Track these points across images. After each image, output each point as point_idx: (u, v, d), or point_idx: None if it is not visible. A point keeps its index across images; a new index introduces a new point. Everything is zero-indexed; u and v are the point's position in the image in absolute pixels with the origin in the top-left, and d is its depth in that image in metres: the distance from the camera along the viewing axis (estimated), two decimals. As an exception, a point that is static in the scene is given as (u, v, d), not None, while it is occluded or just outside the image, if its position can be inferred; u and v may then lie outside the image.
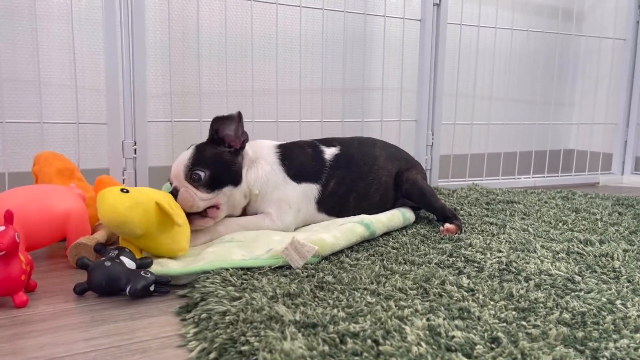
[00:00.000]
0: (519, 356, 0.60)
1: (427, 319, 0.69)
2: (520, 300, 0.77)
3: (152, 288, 0.83)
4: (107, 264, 0.83)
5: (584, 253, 1.01)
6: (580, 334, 0.66)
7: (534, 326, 0.69)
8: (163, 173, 1.33)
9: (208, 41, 1.57)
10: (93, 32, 1.40)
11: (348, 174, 1.19)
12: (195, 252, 0.97)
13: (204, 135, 1.10)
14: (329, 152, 1.20)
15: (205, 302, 0.76)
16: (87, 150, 1.34)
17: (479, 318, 0.71)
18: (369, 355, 0.60)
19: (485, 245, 1.06)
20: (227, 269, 0.86)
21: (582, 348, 0.63)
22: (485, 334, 0.66)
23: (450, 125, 1.85)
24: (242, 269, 0.88)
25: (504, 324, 0.69)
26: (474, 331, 0.66)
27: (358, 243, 1.06)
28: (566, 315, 0.72)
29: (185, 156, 1.06)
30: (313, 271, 0.89)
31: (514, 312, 0.73)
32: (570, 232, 1.17)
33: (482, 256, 0.98)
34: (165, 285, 0.85)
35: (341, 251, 1.01)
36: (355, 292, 0.80)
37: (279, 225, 1.10)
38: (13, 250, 0.77)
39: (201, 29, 1.54)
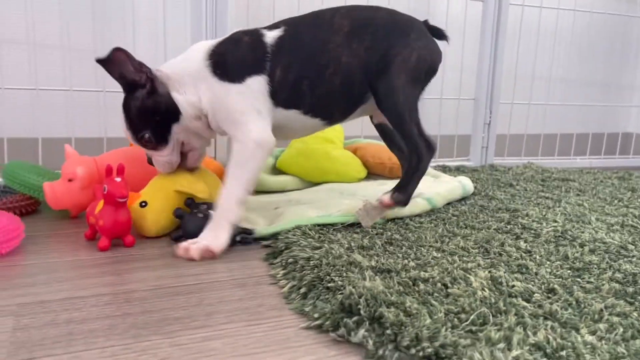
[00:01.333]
0: (574, 303, 0.68)
1: (489, 272, 0.78)
2: (575, 261, 0.84)
3: (238, 238, 0.95)
4: (200, 215, 0.95)
5: (638, 226, 1.06)
6: (630, 290, 0.73)
7: (588, 282, 0.76)
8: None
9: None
10: (180, 13, 1.52)
11: (295, 58, 0.97)
12: (276, 214, 1.08)
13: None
14: (270, 36, 0.98)
15: (289, 250, 0.87)
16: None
17: (536, 273, 0.79)
18: (439, 295, 0.69)
19: (541, 216, 1.12)
20: (305, 225, 0.97)
21: (632, 300, 0.70)
22: (543, 286, 0.74)
23: (507, 105, 1.90)
24: (317, 225, 0.98)
25: (560, 279, 0.77)
26: (532, 283, 0.74)
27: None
28: (618, 275, 0.78)
29: (123, 125, 0.97)
30: (381, 230, 0.99)
31: (569, 271, 0.80)
32: (625, 209, 1.22)
33: (538, 225, 1.05)
34: (249, 235, 0.96)
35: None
36: (422, 248, 0.89)
37: (252, 141, 0.92)
38: (127, 197, 0.90)
39: (276, 13, 1.63)
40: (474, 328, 0.60)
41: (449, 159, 1.83)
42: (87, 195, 1.03)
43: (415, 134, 1.00)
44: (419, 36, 1.02)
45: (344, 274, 0.74)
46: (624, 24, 2.16)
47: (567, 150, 2.02)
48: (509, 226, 1.04)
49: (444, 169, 1.69)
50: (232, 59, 0.95)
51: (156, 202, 0.97)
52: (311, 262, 0.80)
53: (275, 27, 1.00)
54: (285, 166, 1.37)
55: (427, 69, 1.03)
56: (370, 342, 0.59)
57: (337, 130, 1.44)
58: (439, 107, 1.79)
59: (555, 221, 1.08)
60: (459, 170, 1.69)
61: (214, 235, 0.89)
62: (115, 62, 0.91)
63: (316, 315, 0.66)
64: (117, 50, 0.89)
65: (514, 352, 0.55)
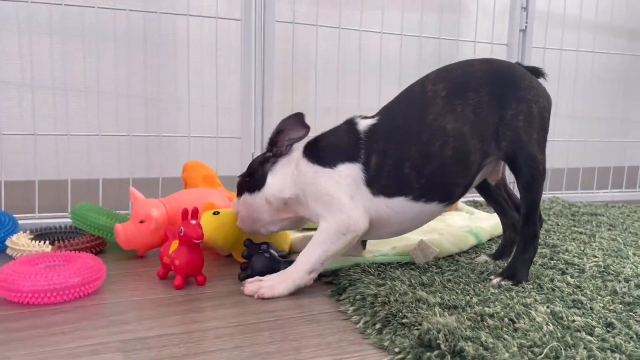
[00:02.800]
0: (635, 336, 0.73)
1: (548, 307, 0.83)
2: (624, 296, 0.90)
3: None
4: (267, 255, 1.01)
5: (675, 261, 1.12)
6: (683, 323, 0.78)
7: (641, 316, 0.81)
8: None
9: (324, 68, 1.76)
10: (228, 60, 1.61)
11: (390, 143, 0.94)
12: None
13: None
14: (364, 124, 0.97)
15: (354, 287, 0.92)
16: (223, 160, 1.54)
17: (591, 308, 0.84)
18: (509, 329, 0.75)
19: (580, 251, 1.18)
20: (363, 262, 1.03)
21: (687, 334, 0.75)
22: (601, 321, 0.79)
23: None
24: (374, 263, 1.04)
25: (615, 314, 0.82)
26: (590, 317, 0.80)
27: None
28: (668, 309, 0.84)
29: None
30: (435, 266, 1.04)
31: (620, 305, 0.86)
32: (658, 243, 1.27)
33: (580, 260, 1.10)
34: None
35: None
36: (479, 284, 0.94)
37: (337, 228, 0.92)
38: (202, 239, 0.96)
39: (318, 58, 1.72)
40: (548, 361, 0.66)
41: (477, 194, 1.89)
42: (157, 236, 1.10)
43: (539, 208, 0.97)
44: (530, 83, 0.97)
45: (415, 310, 0.80)
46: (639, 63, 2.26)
47: (589, 184, 2.09)
48: (552, 261, 1.10)
49: (475, 204, 1.75)
50: (324, 144, 0.98)
51: (225, 217, 1.08)
52: (379, 298, 0.86)
53: (373, 116, 1.00)
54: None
55: (549, 117, 1.00)
56: (455, 374, 0.64)
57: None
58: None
59: (595, 256, 1.13)
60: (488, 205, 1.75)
61: (273, 285, 0.93)
62: (297, 125, 1.00)
63: (397, 350, 0.71)
64: (308, 127, 1.00)
65: (592, 383, 0.60)
